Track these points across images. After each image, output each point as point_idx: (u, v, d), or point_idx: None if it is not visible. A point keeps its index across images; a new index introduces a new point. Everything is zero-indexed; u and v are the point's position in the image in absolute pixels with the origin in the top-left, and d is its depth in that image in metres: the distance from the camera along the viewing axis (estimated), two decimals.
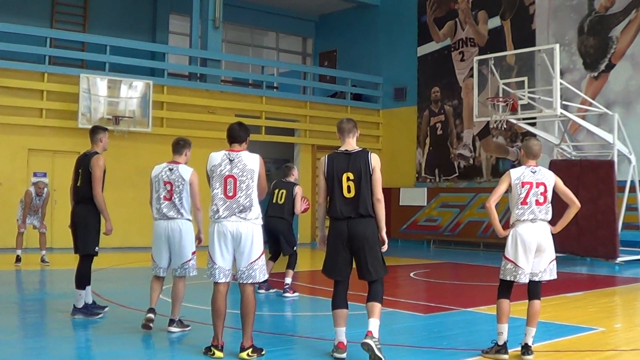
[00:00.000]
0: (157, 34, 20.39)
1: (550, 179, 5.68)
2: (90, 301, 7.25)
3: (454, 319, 7.63)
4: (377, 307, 5.40)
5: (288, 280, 8.97)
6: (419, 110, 20.45)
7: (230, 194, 5.45)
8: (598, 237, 13.64)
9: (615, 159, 13.98)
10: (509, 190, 5.75)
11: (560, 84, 13.66)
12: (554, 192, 5.70)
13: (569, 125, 15.34)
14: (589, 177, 13.72)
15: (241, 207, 5.43)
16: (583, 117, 15.09)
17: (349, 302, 5.56)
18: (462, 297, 9.39)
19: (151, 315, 6.47)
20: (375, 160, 5.55)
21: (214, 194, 5.50)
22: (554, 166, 13.70)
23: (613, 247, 13.58)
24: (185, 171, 6.54)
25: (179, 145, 6.68)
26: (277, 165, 19.11)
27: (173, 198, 6.48)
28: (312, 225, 19.52)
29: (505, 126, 14.83)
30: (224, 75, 20.08)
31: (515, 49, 16.83)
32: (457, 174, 19.43)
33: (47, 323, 7.34)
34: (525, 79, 14.10)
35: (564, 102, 14.27)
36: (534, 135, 14.72)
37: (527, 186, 5.61)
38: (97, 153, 7.17)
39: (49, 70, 16.05)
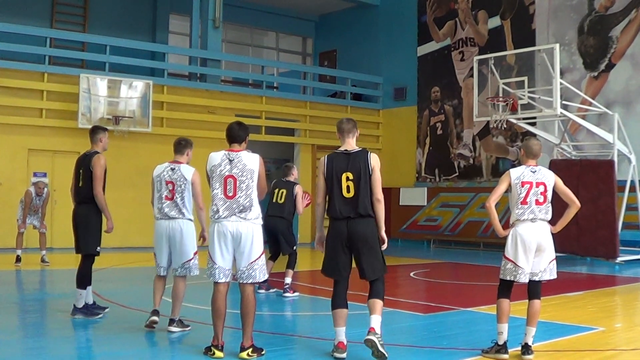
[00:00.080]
0: (157, 34, 20.40)
1: (550, 178, 5.68)
2: (90, 301, 7.25)
3: (454, 318, 7.63)
4: (378, 304, 5.42)
5: (288, 280, 8.97)
6: (419, 110, 20.45)
7: (230, 194, 5.45)
8: (598, 237, 13.64)
9: (615, 159, 13.98)
10: (508, 190, 5.75)
11: (560, 83, 13.66)
12: (554, 192, 5.70)
13: (569, 125, 15.34)
14: (589, 176, 13.72)
15: (241, 207, 5.43)
16: (583, 117, 15.09)
17: (348, 302, 5.57)
18: (462, 297, 9.40)
19: (155, 318, 6.52)
20: (374, 160, 5.55)
21: (214, 194, 5.51)
22: (554, 166, 13.70)
23: (613, 246, 13.58)
24: (188, 171, 6.56)
25: (181, 145, 6.70)
26: (277, 165, 19.11)
27: (175, 198, 6.50)
28: (312, 225, 19.51)
29: (505, 126, 14.83)
30: (224, 75, 20.08)
31: (515, 48, 16.82)
32: (457, 174, 19.43)
33: (47, 323, 7.34)
34: (525, 78, 14.10)
35: (564, 102, 14.27)
36: (534, 135, 14.72)
37: (527, 186, 5.61)
38: (97, 153, 7.18)
39: (49, 70, 16.06)
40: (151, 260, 7.03)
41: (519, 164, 5.86)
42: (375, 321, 5.32)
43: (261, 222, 5.58)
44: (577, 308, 8.42)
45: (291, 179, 9.20)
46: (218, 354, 5.40)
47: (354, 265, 5.57)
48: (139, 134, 16.51)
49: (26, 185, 13.62)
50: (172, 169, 6.56)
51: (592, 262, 14.41)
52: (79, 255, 7.32)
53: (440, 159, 19.82)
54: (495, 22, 18.76)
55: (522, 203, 5.61)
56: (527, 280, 5.64)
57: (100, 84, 16.03)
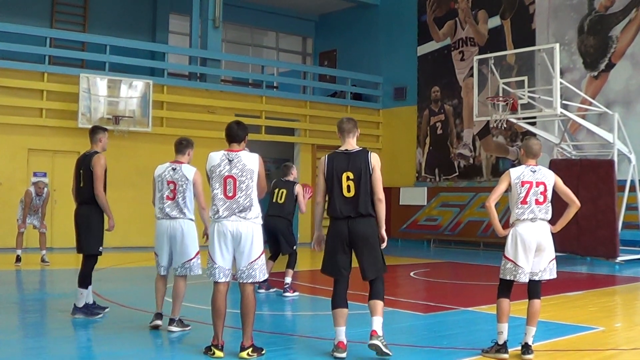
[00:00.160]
0: (157, 33, 20.40)
1: (550, 178, 5.68)
2: (90, 301, 7.25)
3: (454, 318, 7.63)
4: (379, 304, 5.44)
5: (288, 279, 8.97)
6: (419, 110, 20.45)
7: (230, 194, 5.45)
8: (598, 237, 13.64)
9: (615, 159, 13.97)
10: (508, 189, 5.75)
11: (560, 83, 13.66)
12: (554, 192, 5.71)
13: (569, 124, 15.34)
14: (589, 176, 13.72)
15: (241, 207, 5.44)
16: (583, 117, 15.09)
17: (349, 302, 5.57)
18: (462, 297, 9.40)
19: (159, 322, 6.55)
20: (375, 159, 5.56)
21: (213, 195, 5.51)
22: (554, 165, 13.70)
23: (613, 246, 13.58)
24: (189, 171, 6.58)
25: (182, 145, 6.72)
26: (277, 164, 19.09)
27: (176, 197, 6.51)
28: (312, 225, 19.49)
29: (505, 125, 14.83)
30: (224, 75, 20.08)
31: (515, 48, 16.81)
32: (457, 174, 19.43)
33: (47, 323, 7.34)
34: (525, 78, 14.10)
35: (564, 102, 14.27)
36: (534, 135, 14.72)
37: (526, 185, 5.61)
38: (97, 153, 7.19)
39: (49, 70, 16.06)
40: (151, 260, 7.04)
41: (519, 164, 5.86)
42: (377, 323, 5.36)
43: (261, 222, 5.59)
44: (577, 308, 8.42)
45: (290, 178, 9.21)
46: (218, 353, 5.40)
47: (354, 265, 5.58)
48: (139, 134, 16.51)
49: (26, 185, 13.62)
50: (174, 169, 6.58)
51: (592, 262, 14.41)
52: (80, 255, 7.32)
53: (440, 158, 19.82)
54: (495, 21, 18.75)
55: (522, 203, 5.61)
56: (527, 280, 5.64)
57: (100, 83, 16.03)
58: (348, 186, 5.50)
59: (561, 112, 13.72)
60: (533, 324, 5.56)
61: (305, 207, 9.22)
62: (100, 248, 7.18)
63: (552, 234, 5.68)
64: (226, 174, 5.48)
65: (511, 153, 18.09)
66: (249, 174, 5.48)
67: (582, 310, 8.23)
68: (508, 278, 5.64)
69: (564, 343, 6.21)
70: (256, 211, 5.50)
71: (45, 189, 12.70)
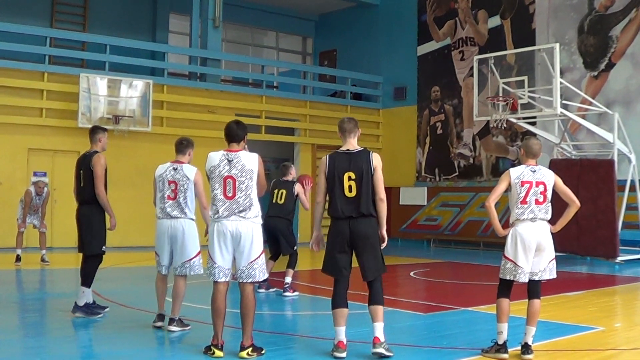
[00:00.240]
0: (157, 33, 20.39)
1: (550, 178, 5.68)
2: (90, 300, 7.25)
3: (454, 318, 7.63)
4: (380, 309, 5.47)
5: (288, 279, 8.97)
6: (419, 110, 20.45)
7: (230, 195, 5.45)
8: (598, 237, 13.64)
9: (616, 158, 13.97)
10: (508, 189, 5.75)
11: (560, 83, 13.66)
12: (554, 192, 5.71)
13: (569, 124, 15.33)
14: (589, 176, 13.72)
15: (241, 207, 5.44)
16: (583, 117, 15.09)
17: (348, 302, 5.57)
18: (462, 297, 9.40)
19: (160, 323, 6.57)
20: (376, 160, 5.57)
21: (213, 195, 5.52)
22: (554, 165, 13.70)
23: (613, 246, 13.58)
24: (190, 170, 6.60)
25: (182, 145, 6.73)
26: (277, 164, 19.06)
27: (178, 197, 6.53)
28: (312, 224, 19.47)
29: (505, 125, 14.83)
30: (224, 75, 20.08)
31: (515, 48, 16.81)
32: (457, 173, 19.43)
33: (47, 322, 7.34)
34: (525, 78, 14.10)
35: (564, 102, 14.26)
36: (534, 135, 14.72)
37: (526, 185, 5.61)
38: (96, 152, 7.21)
39: (49, 69, 16.06)
40: (151, 259, 7.04)
41: (519, 164, 5.86)
42: (379, 330, 5.40)
43: (261, 222, 5.59)
44: (577, 308, 8.42)
45: (289, 178, 9.20)
46: (218, 353, 5.40)
47: (354, 265, 5.58)
48: (139, 134, 16.51)
49: (26, 184, 13.61)
50: (175, 169, 6.59)
51: (592, 262, 14.40)
52: (80, 255, 7.33)
53: (440, 158, 19.82)
54: (495, 21, 18.75)
55: (521, 202, 5.61)
56: (526, 280, 5.64)
57: (100, 83, 16.03)
58: (350, 186, 5.51)
59: (561, 112, 13.72)
60: (533, 323, 5.56)
61: (308, 204, 9.21)
62: (103, 248, 7.20)
63: (552, 233, 5.68)
64: (226, 174, 5.48)
65: (511, 153, 18.09)
66: (248, 174, 5.48)
67: (582, 310, 8.23)
68: (508, 278, 5.64)
69: (563, 343, 6.21)
70: (256, 210, 5.50)
71: (45, 188, 12.70)
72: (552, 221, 5.70)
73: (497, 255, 6.64)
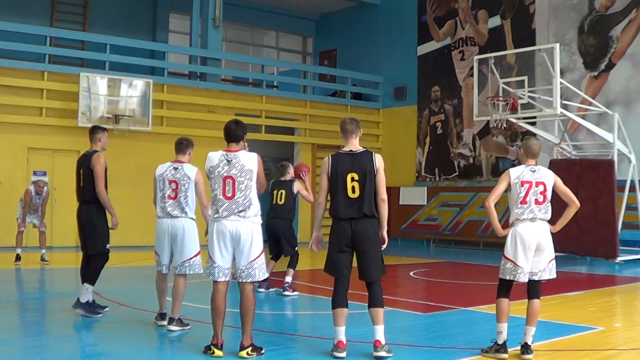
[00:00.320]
0: (157, 32, 20.39)
1: (550, 178, 5.68)
2: (90, 300, 7.25)
3: (453, 318, 7.63)
4: (380, 312, 5.49)
5: (288, 278, 8.98)
6: (419, 110, 20.45)
7: (229, 195, 5.45)
8: (598, 237, 13.64)
9: (615, 159, 13.97)
10: (508, 189, 5.75)
11: (561, 83, 13.66)
12: (554, 192, 5.71)
13: (569, 124, 15.33)
14: (589, 176, 13.72)
15: (240, 207, 5.44)
16: (583, 117, 15.09)
17: (348, 302, 5.57)
18: (462, 296, 9.39)
19: (163, 322, 6.59)
20: (379, 161, 5.58)
21: (213, 195, 5.53)
22: (554, 165, 13.70)
23: (613, 246, 13.58)
24: (191, 170, 6.63)
25: (183, 145, 6.75)
26: (277, 164, 19.08)
27: (178, 197, 6.55)
28: (312, 225, 19.46)
29: (505, 125, 14.83)
30: (224, 74, 20.07)
31: (515, 48, 16.82)
32: (457, 173, 19.43)
33: (47, 322, 7.34)
34: (526, 78, 14.10)
35: (564, 102, 14.26)
36: (534, 135, 14.72)
37: (526, 185, 5.61)
38: (96, 152, 7.22)
39: (49, 69, 16.06)
40: (151, 259, 7.05)
41: (519, 164, 5.86)
42: (380, 333, 5.42)
43: (260, 221, 5.59)
44: (577, 308, 8.43)
45: (288, 177, 9.19)
46: (218, 352, 5.40)
47: (355, 264, 5.59)
48: (139, 133, 16.51)
49: (26, 184, 13.62)
50: (175, 168, 6.62)
51: (591, 262, 14.41)
52: (80, 254, 7.33)
53: (440, 158, 19.81)
54: (495, 21, 18.75)
55: (521, 202, 5.61)
56: (526, 280, 5.64)
57: (100, 82, 16.03)
58: (353, 187, 5.51)
59: (561, 112, 13.72)
60: (533, 323, 5.56)
61: (311, 196, 9.20)
62: (108, 245, 7.22)
63: (552, 233, 5.67)
64: (225, 174, 5.48)
65: (511, 153, 18.09)
66: (248, 174, 5.48)
67: (581, 310, 8.23)
68: (508, 278, 5.64)
69: (563, 343, 6.21)
70: (255, 210, 5.50)
71: (45, 187, 12.70)
72: (552, 221, 5.70)
73: (497, 255, 6.64)
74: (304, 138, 19.98)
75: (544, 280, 5.69)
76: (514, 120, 14.98)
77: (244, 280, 5.47)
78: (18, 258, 12.28)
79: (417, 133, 20.46)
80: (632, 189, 14.38)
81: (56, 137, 15.87)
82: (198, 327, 6.47)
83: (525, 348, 5.50)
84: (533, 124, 15.79)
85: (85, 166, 7.16)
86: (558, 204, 5.73)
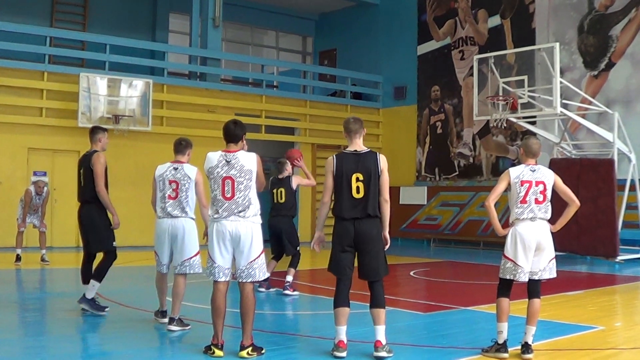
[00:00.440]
0: (157, 32, 20.39)
1: (550, 177, 5.68)
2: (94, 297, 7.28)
3: (454, 317, 7.63)
4: (382, 313, 5.49)
5: (289, 278, 8.97)
6: (419, 109, 20.45)
7: (229, 195, 5.45)
8: (598, 236, 13.64)
9: (616, 158, 13.97)
10: (508, 189, 5.75)
11: (560, 82, 13.66)
12: (554, 191, 5.70)
13: (569, 124, 15.33)
14: (589, 175, 13.72)
15: (240, 208, 5.45)
16: (583, 116, 15.09)
17: (350, 301, 5.57)
18: (462, 296, 9.40)
19: (164, 320, 6.63)
20: (384, 162, 5.60)
21: (213, 196, 5.53)
22: (554, 165, 13.70)
23: (613, 245, 13.58)
24: (191, 170, 6.66)
25: (182, 146, 6.78)
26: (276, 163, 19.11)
27: (179, 196, 6.58)
28: (312, 225, 19.50)
29: (505, 125, 14.83)
30: (223, 74, 20.07)
31: (515, 47, 16.82)
32: (457, 173, 19.43)
33: (47, 322, 7.35)
34: (525, 77, 14.10)
35: (564, 101, 14.26)
36: (534, 134, 14.72)
37: (526, 185, 5.61)
38: (96, 152, 7.24)
39: (48, 69, 16.05)
40: (151, 259, 7.05)
41: (519, 163, 5.86)
42: (381, 333, 5.43)
43: (260, 221, 5.58)
44: (577, 307, 8.42)
45: (285, 174, 9.17)
46: (218, 352, 5.40)
47: (356, 264, 5.60)
48: (138, 133, 16.51)
49: (26, 184, 13.61)
50: (175, 169, 6.65)
51: (592, 261, 14.40)
52: (80, 254, 7.35)
53: (440, 157, 19.81)
54: (495, 21, 18.75)
55: (521, 202, 5.61)
56: (526, 279, 5.64)
57: (100, 82, 16.03)
58: (357, 187, 5.51)
59: (561, 112, 13.72)
60: (533, 323, 5.56)
61: (312, 179, 9.18)
62: (114, 243, 7.25)
63: (552, 233, 5.67)
64: (224, 175, 5.48)
65: (511, 152, 18.09)
66: (247, 174, 5.49)
67: (582, 310, 8.23)
68: (508, 277, 5.64)
69: (563, 342, 6.21)
70: (255, 209, 5.50)
71: (45, 188, 12.70)
72: (552, 220, 5.70)
73: (497, 254, 6.64)
74: (304, 138, 19.97)
75: (544, 279, 5.69)
76: (514, 120, 14.98)
77: (244, 280, 5.47)
78: (18, 258, 12.29)
79: (417, 133, 20.46)
80: (632, 188, 14.38)
81: (56, 138, 15.87)
82: (198, 327, 6.47)
83: (526, 347, 5.50)
84: (533, 123, 15.79)
85: (85, 166, 7.20)
86: (558, 204, 5.73)
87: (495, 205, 5.74)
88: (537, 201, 5.59)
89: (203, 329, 6.21)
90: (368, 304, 5.57)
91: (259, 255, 5.50)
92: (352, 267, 5.58)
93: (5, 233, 14.29)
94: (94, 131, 7.42)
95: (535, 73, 14.54)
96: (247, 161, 5.51)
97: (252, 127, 17.42)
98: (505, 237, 5.72)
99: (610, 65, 16.38)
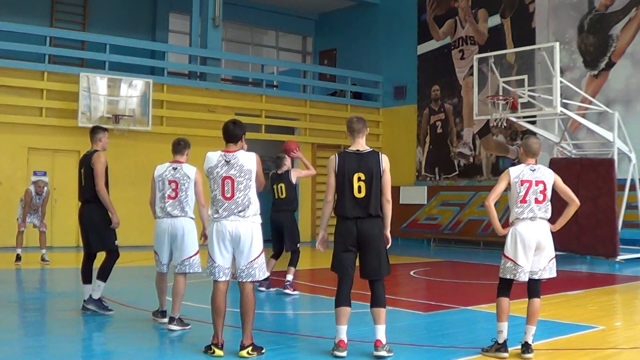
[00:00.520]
0: (157, 32, 20.39)
1: (550, 177, 5.68)
2: (93, 297, 7.27)
3: (454, 317, 7.63)
4: (383, 312, 5.50)
5: (289, 277, 8.96)
6: (419, 109, 20.45)
7: (229, 195, 5.45)
8: (598, 236, 13.64)
9: (616, 157, 13.97)
10: (508, 188, 5.75)
11: (560, 82, 13.66)
12: (554, 191, 5.70)
13: (569, 123, 15.33)
14: (589, 175, 13.72)
15: (240, 208, 5.45)
16: (583, 116, 15.09)
17: (351, 301, 5.58)
18: (462, 296, 9.40)
19: (164, 320, 6.64)
20: (386, 162, 5.60)
21: (212, 195, 5.54)
22: (554, 164, 13.70)
23: (613, 245, 13.58)
24: (190, 170, 6.69)
25: (180, 146, 6.81)
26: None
27: (179, 196, 6.60)
28: (312, 223, 19.51)
29: (505, 124, 14.83)
30: (223, 74, 20.08)
31: (515, 47, 16.82)
32: (457, 172, 19.43)
33: (47, 322, 7.35)
34: (525, 77, 14.10)
35: (564, 101, 14.27)
36: (534, 134, 14.72)
37: (526, 184, 5.61)
38: (97, 151, 7.25)
39: (48, 69, 16.05)
40: (151, 258, 7.05)
41: (519, 163, 5.86)
42: (381, 332, 5.44)
43: (260, 220, 5.59)
44: (577, 307, 8.42)
45: (284, 169, 9.16)
46: (218, 352, 5.40)
47: (357, 263, 5.60)
48: (138, 133, 16.51)
49: (26, 184, 13.61)
50: (174, 169, 6.68)
51: (592, 261, 14.40)
52: (80, 254, 7.35)
53: (440, 157, 19.82)
54: (495, 20, 18.75)
55: (521, 202, 5.61)
56: (526, 279, 5.64)
57: (100, 82, 16.03)
58: (359, 187, 5.51)
59: (561, 111, 13.72)
60: (533, 323, 5.56)
61: (312, 169, 9.19)
62: (116, 242, 7.25)
63: (552, 232, 5.67)
64: (224, 174, 5.49)
65: (511, 152, 18.09)
66: (247, 174, 5.49)
67: (582, 309, 8.23)
68: (508, 277, 5.64)
69: (563, 342, 6.20)
70: (254, 209, 5.50)
71: (45, 188, 12.70)
72: (552, 220, 5.70)
73: (497, 254, 6.65)
74: (304, 137, 19.96)
75: (544, 279, 5.68)
76: (514, 119, 14.98)
77: (244, 280, 5.47)
78: (18, 258, 12.29)
79: (417, 132, 20.46)
80: (633, 187, 14.38)
81: (56, 137, 15.87)
82: (198, 327, 6.48)
83: (526, 347, 5.50)
84: (533, 122, 15.79)
85: (86, 165, 7.21)
86: (558, 203, 5.73)
87: (495, 204, 5.74)
88: (537, 201, 5.59)
89: (203, 329, 6.21)
90: (368, 304, 5.57)
91: (259, 255, 5.50)
92: (353, 266, 5.59)
93: (5, 233, 14.30)
94: (95, 131, 7.44)
95: (535, 72, 14.54)
96: (247, 161, 5.51)
97: (252, 126, 17.42)
98: (505, 236, 5.72)
99: (610, 64, 16.38)
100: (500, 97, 14.21)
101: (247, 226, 5.45)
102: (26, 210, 12.40)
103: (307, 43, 24.45)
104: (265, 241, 5.71)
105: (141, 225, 15.04)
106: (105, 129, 7.60)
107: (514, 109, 14.17)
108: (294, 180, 9.11)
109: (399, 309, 7.83)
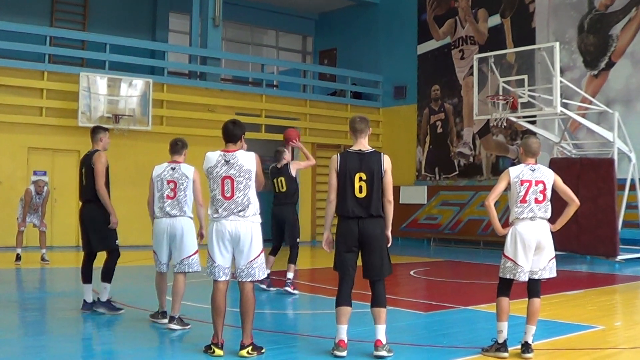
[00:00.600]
0: (157, 32, 20.39)
1: (550, 177, 5.68)
2: (90, 300, 7.27)
3: (454, 317, 7.63)
4: (383, 312, 5.51)
5: (290, 274, 8.95)
6: (419, 109, 20.45)
7: (228, 195, 5.46)
8: (598, 235, 13.64)
9: (616, 157, 13.97)
10: (508, 188, 5.75)
11: (561, 82, 13.66)
12: (554, 190, 5.71)
13: (569, 123, 15.33)
14: (589, 175, 13.72)
15: (239, 207, 5.45)
16: (583, 115, 15.09)
17: (352, 301, 5.58)
18: (462, 295, 9.40)
19: (164, 320, 6.64)
20: (387, 162, 5.60)
21: (212, 195, 5.53)
22: (554, 164, 13.70)
23: (613, 245, 13.59)
24: (188, 170, 6.71)
25: (178, 146, 6.85)
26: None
27: (177, 196, 6.62)
28: (312, 223, 19.50)
29: (505, 124, 14.83)
30: (223, 74, 20.08)
31: (515, 47, 16.82)
32: (457, 172, 19.43)
33: (47, 321, 7.34)
34: (525, 77, 14.10)
35: (564, 100, 14.27)
36: (534, 134, 14.72)
37: (526, 184, 5.61)
38: (98, 151, 7.26)
39: (48, 68, 16.05)
40: (150, 258, 7.05)
41: (519, 162, 5.86)
42: (381, 332, 5.45)
43: (260, 220, 5.59)
44: (577, 306, 8.42)
45: (284, 162, 9.14)
46: (218, 352, 5.40)
47: (358, 263, 5.60)
48: (138, 133, 16.51)
49: (26, 183, 13.61)
50: (173, 168, 6.70)
51: (592, 261, 14.40)
52: (80, 254, 7.36)
53: (440, 157, 19.82)
54: (495, 20, 18.75)
55: (521, 201, 5.61)
56: (526, 279, 5.64)
57: (100, 82, 16.03)
58: (360, 187, 5.52)
59: (561, 111, 13.72)
60: (533, 322, 5.56)
61: (312, 159, 9.23)
62: (117, 241, 7.26)
63: (552, 232, 5.67)
64: (223, 174, 5.49)
65: (511, 152, 18.09)
66: (246, 174, 5.49)
67: (582, 309, 8.23)
68: (508, 277, 5.64)
69: (563, 342, 6.21)
70: (254, 209, 5.50)
71: (45, 187, 12.69)
72: (552, 220, 5.70)
73: (497, 254, 6.65)
74: (304, 137, 19.87)
75: (544, 279, 5.68)
76: (514, 119, 14.98)
77: (244, 280, 5.48)
78: (18, 258, 12.29)
79: (417, 132, 20.46)
80: (633, 187, 14.38)
81: (56, 137, 15.87)
82: (198, 327, 6.48)
83: (526, 347, 5.50)
84: (533, 122, 15.79)
85: (87, 165, 7.22)
86: (558, 203, 5.73)
87: (495, 204, 5.74)
88: (536, 200, 5.59)
89: (203, 328, 6.21)
90: (368, 304, 5.58)
91: (259, 255, 5.51)
92: (355, 266, 5.60)
93: (5, 233, 14.30)
94: (96, 131, 7.45)
95: (535, 72, 14.54)
96: (246, 161, 5.52)
97: (252, 126, 17.43)
98: (505, 236, 5.72)
99: (610, 64, 16.38)
100: (500, 97, 14.22)
101: (246, 226, 5.45)
102: (26, 210, 12.39)
103: (307, 43, 24.45)
104: (264, 241, 5.71)
105: (141, 225, 15.00)
106: (106, 129, 7.61)
107: (514, 108, 14.17)
108: (293, 173, 9.12)
109: (399, 309, 7.82)
